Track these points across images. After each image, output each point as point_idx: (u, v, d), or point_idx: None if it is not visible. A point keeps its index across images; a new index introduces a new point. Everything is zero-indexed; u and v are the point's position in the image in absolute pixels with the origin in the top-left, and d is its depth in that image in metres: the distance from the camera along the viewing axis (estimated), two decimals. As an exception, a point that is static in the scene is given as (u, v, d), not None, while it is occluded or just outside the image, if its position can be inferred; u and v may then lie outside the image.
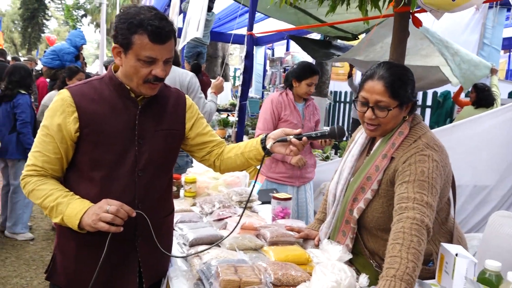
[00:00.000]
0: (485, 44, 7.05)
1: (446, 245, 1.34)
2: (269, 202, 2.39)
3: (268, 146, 1.48)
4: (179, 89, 2.90)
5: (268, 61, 10.62)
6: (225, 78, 10.59)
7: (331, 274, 1.20)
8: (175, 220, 1.88)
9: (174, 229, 1.82)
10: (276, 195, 2.17)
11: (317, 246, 1.72)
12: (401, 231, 1.26)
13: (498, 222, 2.12)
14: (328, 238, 1.66)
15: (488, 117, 4.10)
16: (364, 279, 1.30)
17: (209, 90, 3.33)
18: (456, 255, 1.26)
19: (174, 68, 3.05)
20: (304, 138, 1.45)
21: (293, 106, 3.04)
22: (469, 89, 5.28)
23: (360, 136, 1.68)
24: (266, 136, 1.52)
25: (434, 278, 1.43)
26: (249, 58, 4.03)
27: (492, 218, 2.16)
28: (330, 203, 1.68)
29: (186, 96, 1.61)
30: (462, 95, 5.93)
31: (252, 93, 10.48)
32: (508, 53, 10.31)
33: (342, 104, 9.58)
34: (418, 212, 1.29)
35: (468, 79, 4.69)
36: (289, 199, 2.15)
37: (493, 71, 5.12)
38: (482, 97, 5.00)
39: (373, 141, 1.64)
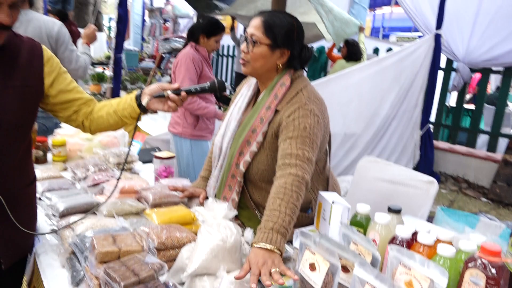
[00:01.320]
0: (355, 3, 7.58)
1: (324, 193, 1.42)
2: (150, 162, 2.27)
3: (144, 103, 1.36)
4: (46, 40, 2.50)
5: (146, 11, 9.93)
6: (99, 28, 9.62)
7: (217, 232, 1.18)
8: (41, 188, 1.67)
9: (40, 199, 1.61)
10: (158, 154, 2.06)
11: (202, 204, 1.69)
12: (283, 187, 1.30)
13: (365, 167, 2.35)
14: (215, 194, 1.65)
15: (357, 72, 4.46)
16: (249, 233, 1.31)
17: (80, 41, 2.95)
18: (333, 202, 1.34)
19: (38, 15, 2.61)
20: (183, 93, 1.37)
21: (207, 61, 2.97)
22: (341, 45, 5.66)
23: (246, 88, 1.66)
24: (141, 92, 1.40)
25: (312, 224, 1.52)
26: (122, 6, 3.67)
27: (360, 163, 2.38)
28: (216, 157, 1.65)
29: (43, 47, 1.36)
30: (335, 51, 6.35)
31: (131, 45, 9.78)
32: (373, 12, 11.28)
33: (225, 58, 9.53)
34: (300, 169, 1.34)
35: (340, 35, 5.02)
36: (172, 157, 2.06)
37: (361, 29, 5.54)
38: (352, 51, 5.41)
39: (259, 93, 1.63)
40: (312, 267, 1.06)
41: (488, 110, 5.87)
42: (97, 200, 1.58)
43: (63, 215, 1.47)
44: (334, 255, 1.01)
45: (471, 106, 6.36)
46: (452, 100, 6.97)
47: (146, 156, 2.43)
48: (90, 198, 1.59)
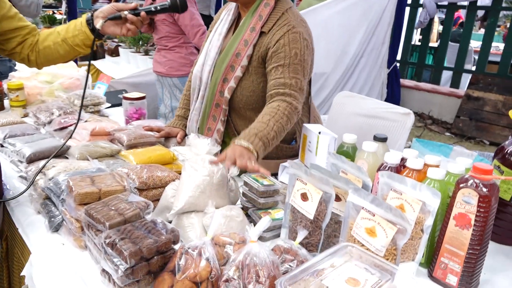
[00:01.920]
0: None
1: (308, 125, 1.38)
2: (119, 105, 2.15)
3: (98, 26, 1.23)
4: None
5: None
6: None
7: (202, 168, 1.12)
8: (2, 135, 1.54)
9: (2, 146, 1.49)
10: (127, 95, 1.94)
11: (180, 143, 1.62)
12: (276, 108, 1.29)
13: (341, 102, 2.32)
14: (198, 128, 1.57)
15: (325, 8, 4.31)
16: (234, 169, 1.26)
17: None
18: (319, 133, 1.30)
19: None
20: (142, 13, 1.25)
21: None
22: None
23: (226, 13, 1.54)
24: (92, 15, 1.25)
25: (297, 156, 1.49)
26: None
27: (336, 99, 2.36)
28: (195, 88, 1.56)
29: None
30: (301, -13, 6.10)
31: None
32: None
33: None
34: (294, 99, 1.33)
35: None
36: (143, 98, 1.94)
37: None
38: (319, -12, 5.20)
39: (239, 18, 1.53)
40: (304, 197, 1.04)
41: (450, 47, 5.94)
42: (66, 144, 1.47)
43: (31, 160, 1.36)
44: (327, 183, 0.99)
45: (435, 44, 6.43)
46: (415, 38, 6.99)
47: (113, 99, 2.29)
48: (58, 142, 1.48)
